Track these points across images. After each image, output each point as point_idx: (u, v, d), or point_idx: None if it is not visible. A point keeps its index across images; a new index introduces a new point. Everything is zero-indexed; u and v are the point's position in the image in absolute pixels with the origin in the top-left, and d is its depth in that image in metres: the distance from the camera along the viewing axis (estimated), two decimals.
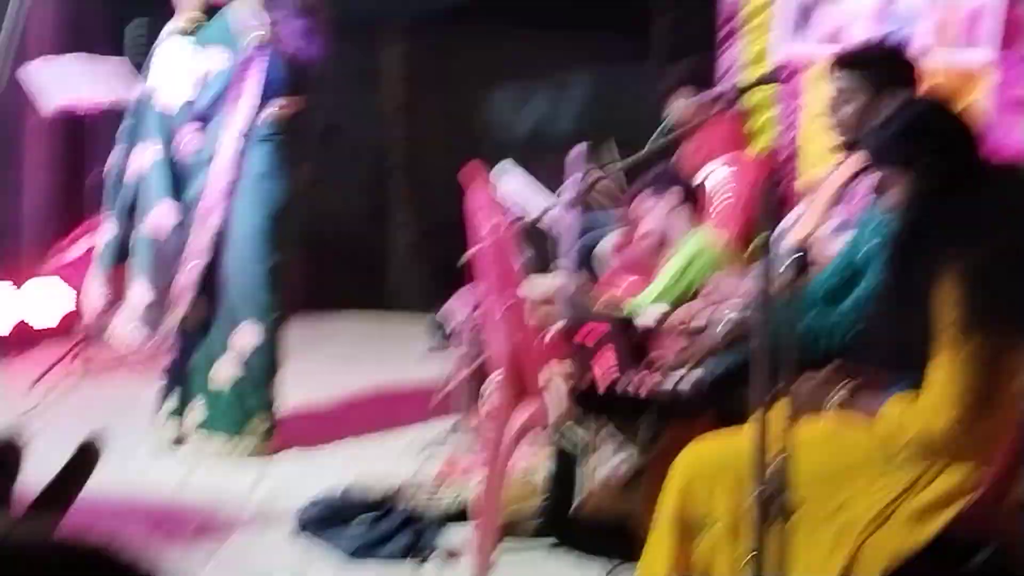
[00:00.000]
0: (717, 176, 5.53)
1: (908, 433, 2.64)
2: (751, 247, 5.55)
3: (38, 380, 5.36)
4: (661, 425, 3.08)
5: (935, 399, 2.60)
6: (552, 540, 3.79)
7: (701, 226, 5.00)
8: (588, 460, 3.31)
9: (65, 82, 5.48)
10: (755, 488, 2.31)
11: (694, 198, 5.04)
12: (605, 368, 3.14)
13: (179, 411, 4.66)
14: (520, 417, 3.37)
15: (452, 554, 3.81)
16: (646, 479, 3.17)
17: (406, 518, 3.91)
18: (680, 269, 4.76)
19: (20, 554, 0.94)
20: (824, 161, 5.02)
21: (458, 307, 6.17)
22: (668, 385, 3.07)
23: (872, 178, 3.50)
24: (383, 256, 10.95)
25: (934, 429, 2.60)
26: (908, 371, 2.68)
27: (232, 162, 4.38)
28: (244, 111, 4.37)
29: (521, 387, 3.39)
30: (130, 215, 4.51)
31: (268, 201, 4.46)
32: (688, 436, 2.95)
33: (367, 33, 10.55)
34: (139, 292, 4.52)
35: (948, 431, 2.58)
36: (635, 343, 3.38)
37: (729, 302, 4.08)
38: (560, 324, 3.74)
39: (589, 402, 3.05)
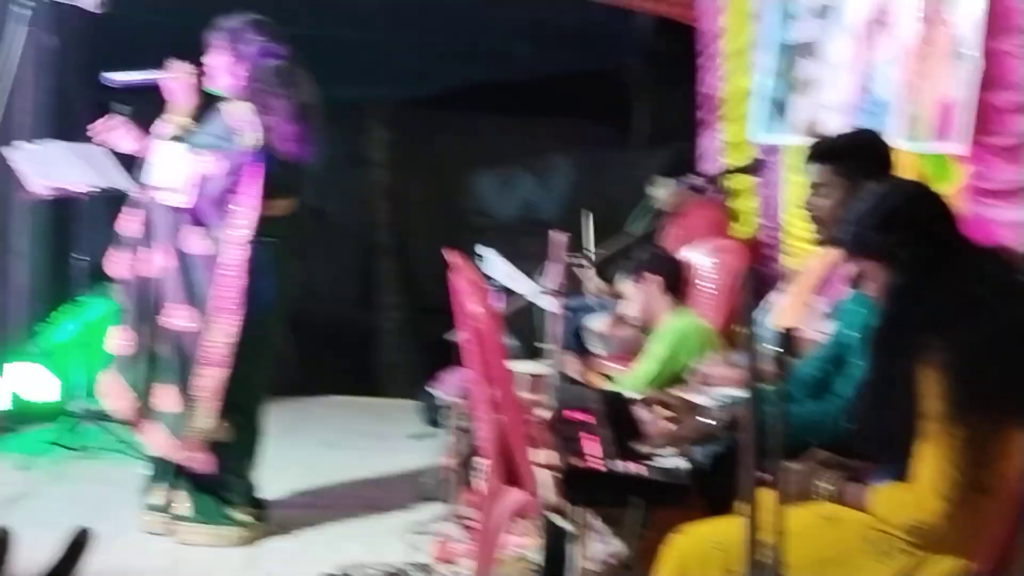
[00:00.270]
0: (698, 263, 5.61)
1: (896, 523, 2.66)
2: (735, 333, 5.63)
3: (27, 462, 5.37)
4: (649, 510, 3.10)
5: (922, 490, 2.61)
6: None
7: (683, 310, 5.07)
8: (579, 544, 3.33)
9: (49, 167, 5.55)
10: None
11: (676, 282, 5.12)
12: (592, 453, 3.18)
13: (164, 507, 4.64)
14: (509, 504, 3.40)
15: None
16: (636, 566, 3.19)
17: None
18: (663, 353, 4.82)
19: None
20: (805, 248, 5.12)
21: (445, 391, 6.22)
22: (656, 470, 3.10)
23: (849, 267, 3.58)
24: (370, 339, 10.99)
25: (922, 519, 2.60)
26: (893, 461, 2.71)
27: (236, 264, 4.41)
28: (242, 214, 4.41)
29: (510, 473, 3.42)
30: (146, 322, 4.52)
31: (257, 301, 4.49)
32: (676, 522, 2.97)
33: (352, 117, 10.69)
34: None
35: (936, 521, 2.59)
36: (623, 427, 3.41)
37: (716, 387, 4.14)
38: (547, 410, 3.79)
39: (577, 487, 3.07)
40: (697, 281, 5.56)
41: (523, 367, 4.74)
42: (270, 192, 4.44)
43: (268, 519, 4.77)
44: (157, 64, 4.59)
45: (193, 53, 4.58)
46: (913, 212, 2.81)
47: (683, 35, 7.18)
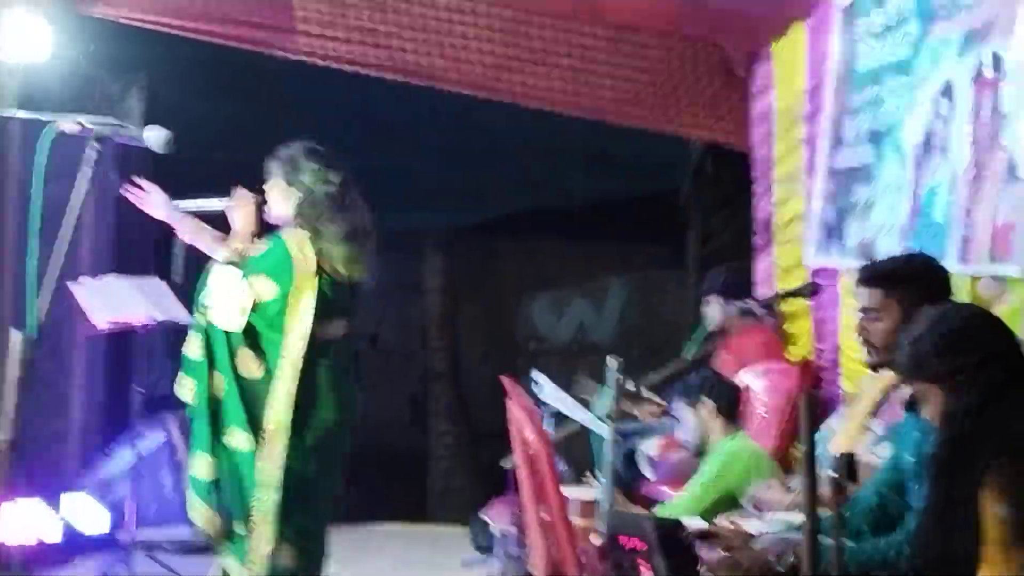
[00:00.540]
0: (752, 387, 5.58)
1: None
2: (788, 456, 5.57)
3: None
4: None
5: None
6: None
7: (737, 434, 5.03)
8: None
9: (112, 301, 5.65)
10: None
11: (730, 406, 5.09)
12: None
13: None
14: None
15: None
16: None
17: None
18: (711, 476, 4.77)
19: None
20: (862, 371, 5.07)
21: (496, 517, 6.18)
22: None
23: (905, 391, 3.54)
24: (424, 465, 10.97)
25: None
26: None
27: (289, 387, 4.43)
28: (297, 338, 4.45)
29: None
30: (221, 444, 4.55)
31: (318, 423, 4.47)
32: None
33: (408, 244, 10.83)
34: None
35: None
36: (676, 555, 3.36)
37: (770, 512, 4.08)
38: (598, 536, 3.75)
39: None
40: (750, 405, 5.53)
41: (574, 492, 4.70)
42: (323, 314, 4.48)
43: None
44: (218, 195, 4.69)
45: (253, 186, 4.68)
46: (971, 335, 2.80)
47: (736, 160, 7.25)
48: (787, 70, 6.27)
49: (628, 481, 5.45)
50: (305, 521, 4.56)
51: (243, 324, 4.45)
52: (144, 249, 7.10)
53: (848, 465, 2.44)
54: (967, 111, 4.34)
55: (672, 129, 6.86)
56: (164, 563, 5.58)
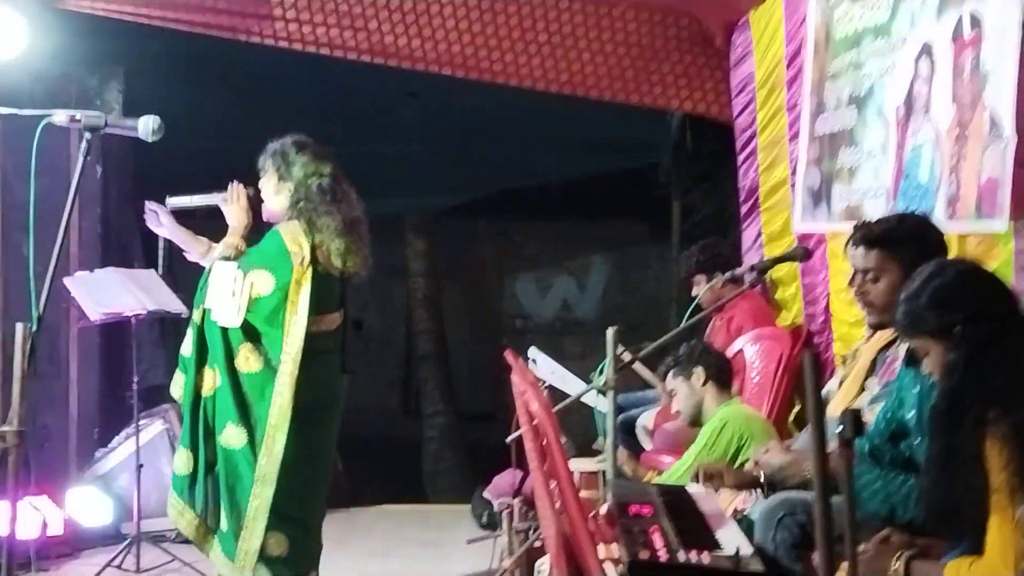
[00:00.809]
0: (745, 354, 5.63)
1: None
2: (786, 420, 5.63)
3: None
4: None
5: (993, 561, 2.62)
6: None
7: (731, 401, 5.07)
8: None
9: (104, 293, 5.66)
10: None
11: (723, 374, 5.13)
12: (657, 546, 3.17)
13: None
14: None
15: None
16: None
17: None
18: (703, 443, 4.82)
19: None
20: (852, 333, 5.13)
21: (498, 494, 6.23)
22: (724, 558, 3.09)
23: (902, 347, 3.59)
24: (414, 447, 11.01)
25: None
26: (963, 536, 2.72)
27: (289, 381, 4.46)
28: (297, 331, 4.47)
29: (574, 569, 3.41)
30: (205, 442, 4.57)
31: (313, 415, 4.53)
32: None
33: (389, 229, 10.83)
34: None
35: None
36: (684, 518, 3.40)
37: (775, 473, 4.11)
38: (605, 505, 3.79)
39: None
40: (744, 371, 5.59)
41: (575, 465, 4.74)
42: (321, 307, 4.50)
43: None
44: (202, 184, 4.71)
45: (236, 174, 4.70)
46: (965, 289, 2.85)
47: (714, 133, 7.30)
48: (765, 38, 6.30)
49: (629, 453, 5.50)
50: (302, 513, 4.59)
51: (242, 320, 4.47)
52: (130, 241, 7.09)
53: (855, 421, 2.46)
54: (947, 71, 4.38)
55: (653, 102, 6.90)
56: (171, 552, 5.59)
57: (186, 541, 5.72)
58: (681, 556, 3.09)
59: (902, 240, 3.46)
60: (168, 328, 6.95)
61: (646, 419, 5.90)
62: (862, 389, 4.24)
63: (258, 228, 4.65)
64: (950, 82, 4.35)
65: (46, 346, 6.04)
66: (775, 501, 3.49)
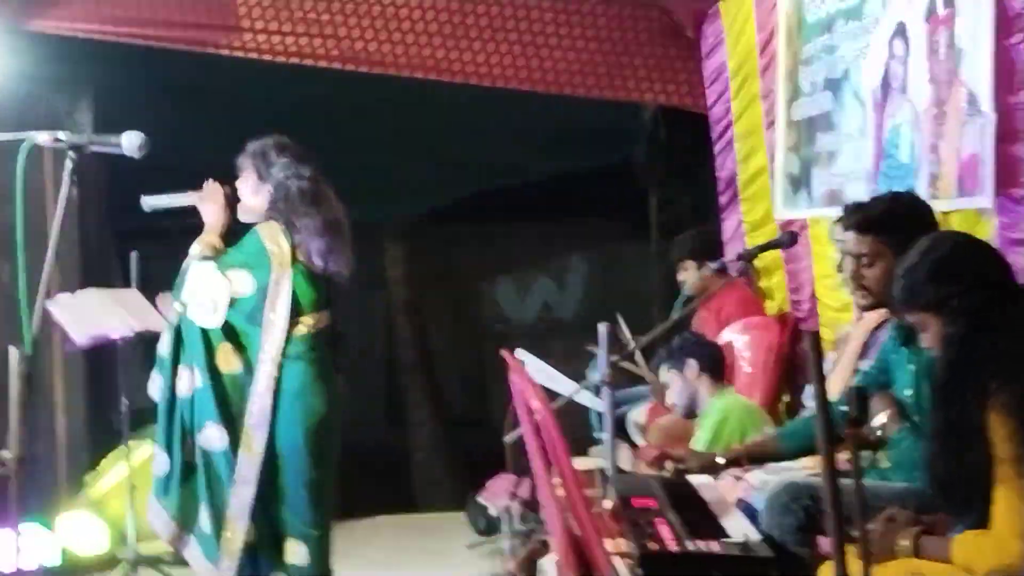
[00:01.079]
0: (735, 344, 5.64)
1: (980, 569, 2.67)
2: (779, 408, 5.64)
3: None
4: None
5: (1001, 533, 2.63)
6: None
7: (725, 391, 5.08)
8: None
9: (89, 316, 5.60)
10: None
11: (715, 365, 5.14)
12: (665, 537, 3.17)
13: None
14: None
15: None
16: None
17: None
18: (707, 437, 4.82)
19: None
20: (839, 318, 5.14)
21: (494, 498, 6.21)
22: (732, 545, 3.09)
23: (891, 328, 3.60)
24: (404, 458, 10.95)
25: (1005, 562, 2.62)
26: (970, 509, 2.73)
27: (270, 383, 4.44)
28: (276, 331, 4.45)
29: (583, 566, 3.40)
30: (183, 442, 4.55)
31: (306, 418, 4.51)
32: None
33: (367, 236, 10.77)
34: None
35: (1019, 563, 2.61)
36: (689, 509, 3.41)
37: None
38: (609, 502, 3.78)
39: (657, 570, 3.06)
40: (735, 361, 5.60)
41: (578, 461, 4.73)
42: (305, 307, 4.49)
43: None
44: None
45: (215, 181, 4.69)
46: (962, 262, 2.86)
47: (688, 124, 7.30)
48: (736, 27, 6.32)
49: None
50: (311, 515, 4.57)
51: (222, 320, 4.46)
52: (109, 261, 7.05)
53: (860, 399, 2.47)
54: (923, 50, 4.40)
55: (626, 96, 6.90)
56: (169, 574, 5.55)
57: (183, 563, 5.73)
58: (691, 545, 3.10)
59: (896, 224, 3.44)
60: (153, 348, 6.90)
61: (638, 415, 5.90)
62: (856, 371, 4.26)
63: (234, 227, 4.64)
64: (926, 61, 4.38)
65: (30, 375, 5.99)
66: (779, 487, 3.50)
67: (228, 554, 4.48)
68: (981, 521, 2.71)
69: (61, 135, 3.40)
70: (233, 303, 4.45)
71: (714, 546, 3.09)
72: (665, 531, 3.25)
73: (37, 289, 3.33)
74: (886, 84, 4.70)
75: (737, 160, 6.48)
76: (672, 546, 3.11)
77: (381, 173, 8.98)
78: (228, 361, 4.50)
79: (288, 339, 4.47)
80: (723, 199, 6.67)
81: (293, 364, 4.49)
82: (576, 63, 6.71)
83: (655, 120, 8.30)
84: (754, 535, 3.20)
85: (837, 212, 3.64)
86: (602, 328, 4.11)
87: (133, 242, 7.61)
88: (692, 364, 5.10)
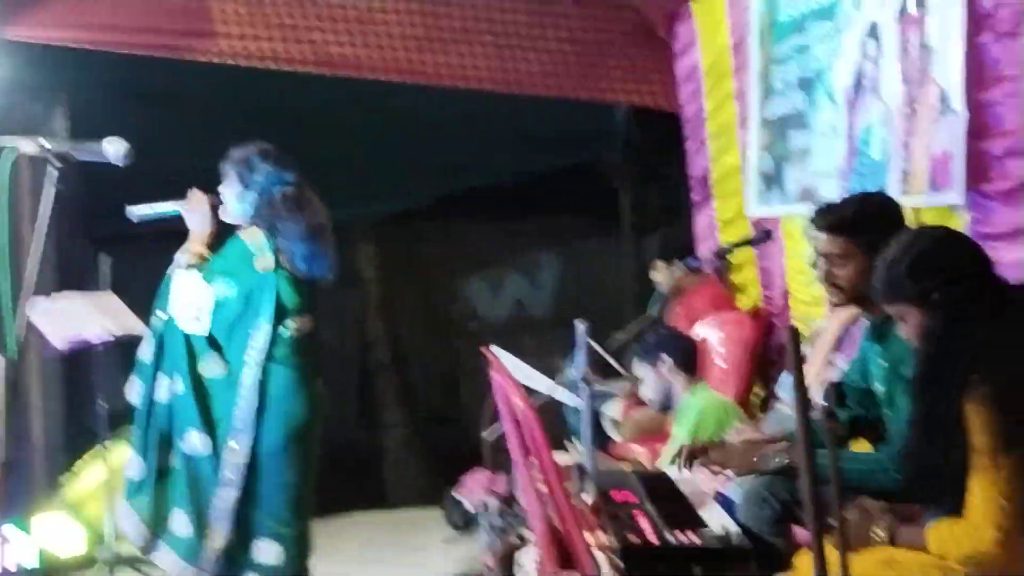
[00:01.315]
0: (709, 340, 5.70)
1: (954, 557, 2.73)
2: (751, 403, 5.70)
3: None
4: None
5: (976, 521, 2.69)
6: None
7: (699, 387, 5.13)
8: None
9: (68, 320, 5.61)
10: None
11: (689, 360, 5.19)
12: (645, 530, 3.22)
13: None
14: None
15: None
16: None
17: None
18: (686, 434, 4.87)
19: None
20: (812, 312, 5.21)
21: (470, 493, 6.25)
22: (710, 537, 3.14)
23: (864, 323, 3.66)
24: (377, 457, 10.96)
25: (979, 550, 2.68)
26: (946, 498, 2.78)
27: (254, 387, 4.47)
28: (260, 336, 4.48)
29: (564, 560, 3.45)
30: (159, 447, 4.57)
31: (288, 422, 4.53)
32: None
33: (337, 237, 10.77)
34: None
35: (992, 550, 2.66)
36: (667, 502, 3.46)
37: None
38: (585, 495, 3.83)
39: (637, 563, 3.11)
40: (708, 357, 5.65)
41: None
42: (289, 311, 4.51)
43: None
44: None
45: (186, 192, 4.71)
46: (943, 255, 2.90)
47: (661, 124, 7.35)
48: (709, 26, 6.38)
49: (595, 444, 5.53)
50: (287, 515, 4.60)
51: (207, 326, 4.48)
52: (85, 266, 7.03)
53: (837, 394, 2.53)
54: (895, 49, 4.47)
55: (599, 96, 6.95)
56: (147, 574, 5.56)
57: None
58: (670, 538, 3.15)
59: (866, 225, 3.46)
60: (129, 352, 6.90)
61: (612, 410, 5.95)
62: (828, 364, 4.33)
63: (218, 233, 4.66)
64: (897, 60, 4.44)
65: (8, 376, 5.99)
66: (756, 480, 3.55)
67: (209, 556, 4.51)
68: (956, 510, 2.76)
69: (46, 142, 3.41)
70: (217, 309, 4.48)
71: (693, 538, 3.14)
72: (644, 524, 3.30)
73: (17, 295, 3.34)
74: (858, 83, 4.77)
75: (710, 158, 6.54)
76: (652, 538, 3.16)
77: (353, 173, 8.99)
78: (211, 367, 4.52)
79: (272, 343, 4.50)
80: (695, 197, 6.72)
81: (276, 368, 4.52)
82: (548, 64, 6.76)
83: (627, 120, 8.35)
84: (732, 527, 3.25)
85: (810, 209, 3.68)
86: (580, 325, 4.15)
87: (103, 247, 7.62)
88: (666, 359, 5.15)
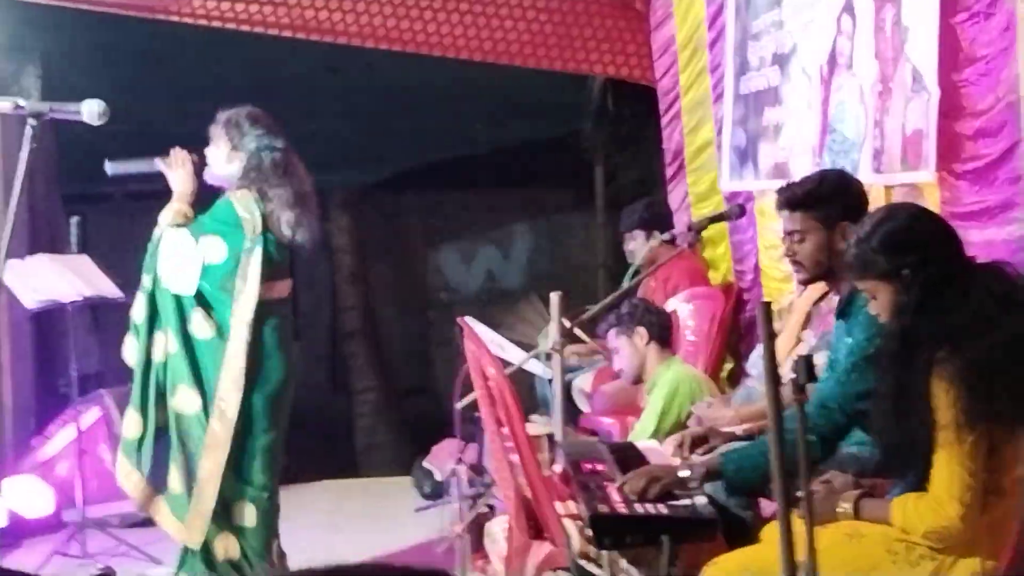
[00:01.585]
0: (679, 313, 5.73)
1: (918, 531, 2.78)
2: (720, 376, 5.74)
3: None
4: (676, 548, 3.17)
5: (939, 496, 2.74)
6: None
7: (672, 360, 5.16)
8: None
9: (39, 281, 5.61)
10: None
11: (662, 332, 5.22)
12: (615, 499, 3.25)
13: None
14: (538, 556, 3.46)
15: None
16: None
17: None
18: (660, 406, 4.90)
19: None
20: (782, 288, 5.25)
21: (440, 462, 6.28)
22: (679, 508, 3.18)
23: (833, 300, 3.70)
24: (347, 424, 11.00)
25: (941, 524, 2.73)
26: (912, 472, 2.83)
27: (242, 347, 4.49)
28: (248, 298, 4.50)
29: (534, 528, 3.49)
30: (156, 406, 4.59)
31: (266, 383, 4.57)
32: (701, 556, 3.06)
33: None
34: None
35: (955, 524, 2.72)
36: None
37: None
38: (559, 466, 3.87)
39: (606, 532, 3.14)
40: (679, 330, 5.68)
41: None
42: (271, 275, 4.54)
43: None
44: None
45: (159, 154, 4.70)
46: (915, 233, 2.94)
47: (636, 97, 7.36)
48: (685, 0, 6.38)
49: (567, 417, 5.57)
50: (261, 478, 4.64)
51: (195, 286, 4.50)
52: (58, 227, 7.02)
53: (807, 367, 2.55)
54: (869, 27, 4.48)
55: (575, 68, 6.94)
56: (117, 537, 5.57)
57: (131, 525, 5.75)
58: (639, 508, 3.19)
59: (823, 200, 3.54)
60: (100, 314, 6.90)
61: (583, 382, 5.98)
62: (798, 341, 4.36)
63: (201, 194, 4.67)
64: (872, 38, 4.46)
65: None
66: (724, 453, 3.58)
67: (199, 515, 4.54)
68: (920, 483, 2.81)
69: (22, 102, 3.41)
70: (206, 270, 4.50)
71: (662, 508, 3.18)
72: (614, 493, 3.33)
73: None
74: (833, 60, 4.79)
75: (684, 132, 6.56)
76: (621, 508, 3.19)
77: (327, 142, 8.98)
78: (201, 327, 4.55)
79: (258, 305, 4.53)
80: (670, 170, 6.75)
81: (260, 329, 4.55)
82: (526, 34, 6.74)
83: (602, 92, 8.36)
84: (701, 498, 3.28)
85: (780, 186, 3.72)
86: (554, 296, 4.18)
87: (74, 206, 7.58)
88: (641, 331, 5.16)
